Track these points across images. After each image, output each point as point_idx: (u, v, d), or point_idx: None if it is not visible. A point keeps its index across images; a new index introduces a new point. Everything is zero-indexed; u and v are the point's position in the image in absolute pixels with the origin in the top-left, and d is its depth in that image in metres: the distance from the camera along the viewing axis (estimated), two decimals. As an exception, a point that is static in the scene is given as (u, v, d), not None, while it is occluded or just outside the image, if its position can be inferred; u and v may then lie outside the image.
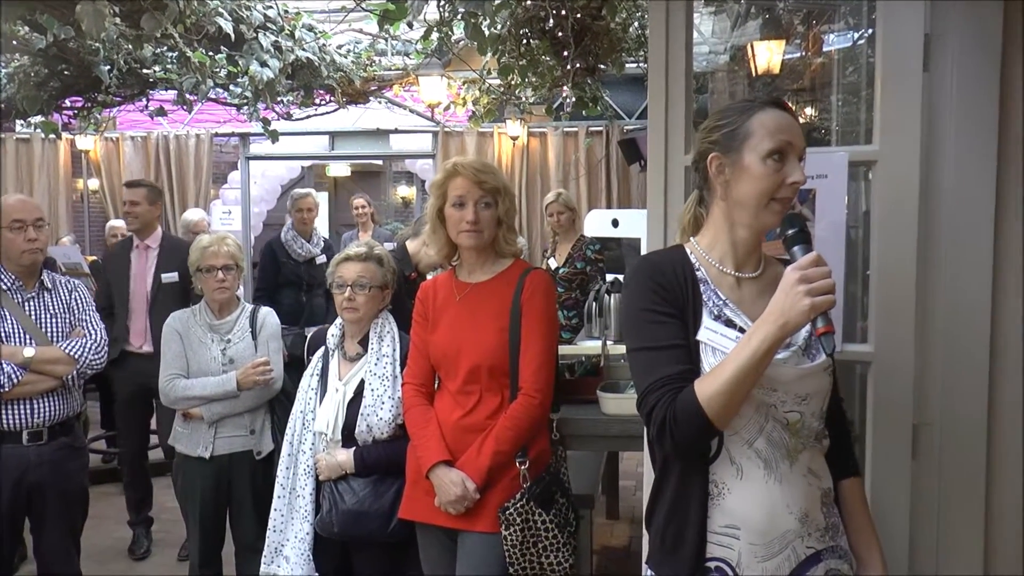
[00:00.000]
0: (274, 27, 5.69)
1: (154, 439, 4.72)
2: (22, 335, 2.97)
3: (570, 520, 2.42)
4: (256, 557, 2.84)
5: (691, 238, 1.69)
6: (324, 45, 6.56)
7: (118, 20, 4.41)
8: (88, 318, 3.15)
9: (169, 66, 5.89)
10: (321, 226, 6.88)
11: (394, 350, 2.76)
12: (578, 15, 4.55)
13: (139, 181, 4.65)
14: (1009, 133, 2.01)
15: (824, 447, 1.62)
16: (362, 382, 2.72)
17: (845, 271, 2.09)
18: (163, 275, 4.40)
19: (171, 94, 6.36)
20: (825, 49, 3.65)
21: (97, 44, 5.23)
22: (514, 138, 9.04)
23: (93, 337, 3.10)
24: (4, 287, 2.99)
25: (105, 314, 3.89)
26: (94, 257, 6.87)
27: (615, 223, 5.08)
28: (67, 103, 6.37)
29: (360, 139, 9.70)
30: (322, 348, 2.88)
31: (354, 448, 2.68)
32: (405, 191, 14.22)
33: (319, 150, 10.05)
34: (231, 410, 3.18)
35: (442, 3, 4.49)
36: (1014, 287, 2.03)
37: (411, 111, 9.04)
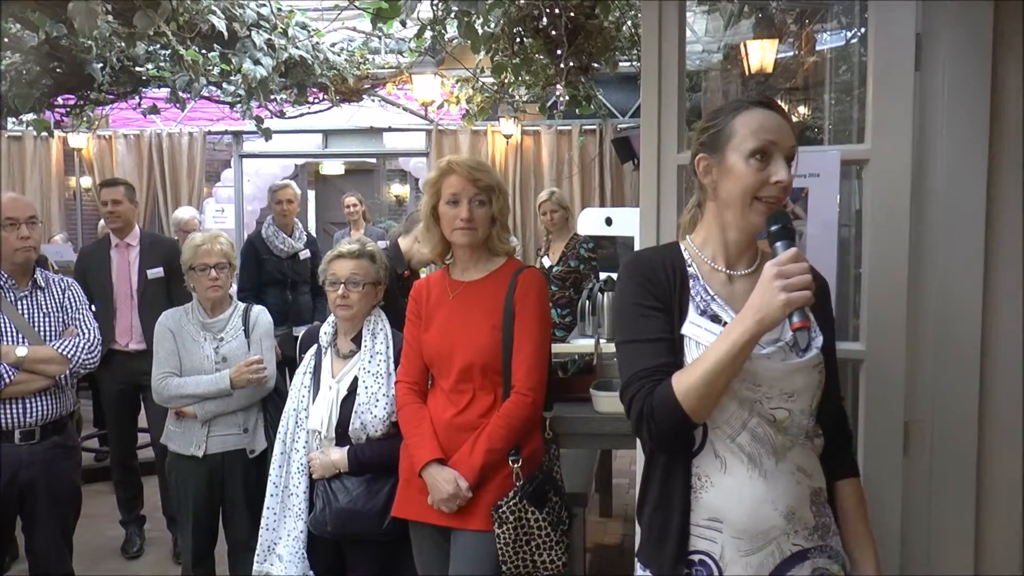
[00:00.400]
0: (267, 25, 5.67)
1: (144, 437, 4.70)
2: (15, 334, 2.96)
3: (563, 518, 2.42)
4: (249, 556, 2.83)
5: (687, 236, 1.71)
6: (317, 43, 6.55)
7: (111, 18, 4.40)
8: (81, 317, 3.14)
9: (162, 64, 5.86)
10: (303, 221, 6.75)
11: (387, 347, 2.76)
12: (571, 14, 4.56)
13: (115, 180, 4.58)
14: (1000, 132, 2.02)
15: (816, 446, 1.62)
16: (355, 380, 2.72)
17: (837, 269, 2.09)
18: (148, 271, 4.38)
19: (164, 92, 6.33)
20: (818, 48, 3.66)
21: (90, 42, 5.20)
22: (507, 136, 9.04)
23: (86, 336, 3.10)
24: (-4, 285, 2.98)
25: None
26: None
27: (608, 221, 5.09)
28: (59, 101, 6.34)
29: (353, 137, 9.71)
30: (314, 346, 2.88)
31: (348, 447, 2.68)
32: (399, 189, 14.22)
33: (312, 148, 10.05)
34: (224, 408, 3.17)
35: (435, 2, 4.50)
36: (1005, 285, 2.04)
37: (405, 109, 9.04)
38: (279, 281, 5.26)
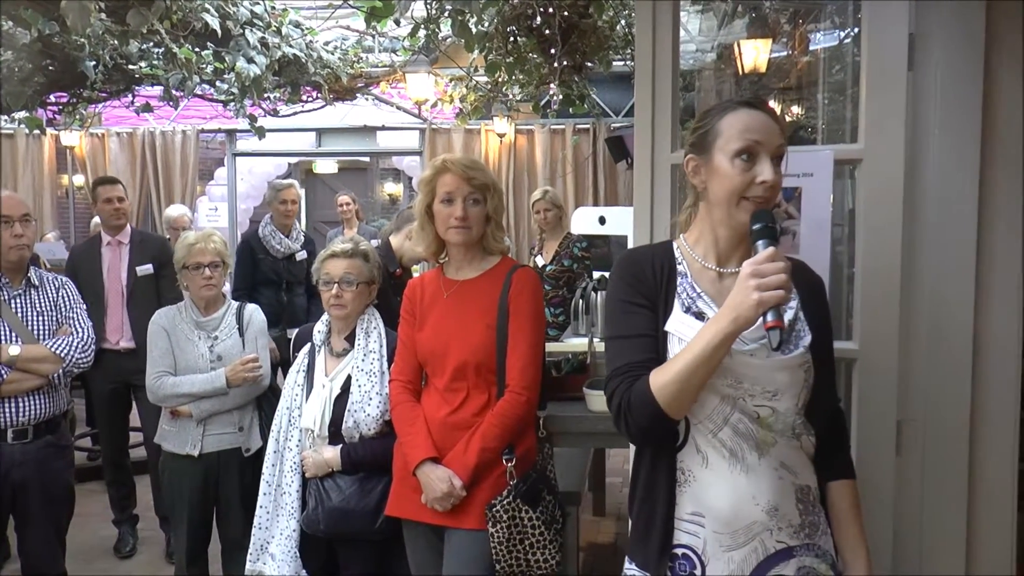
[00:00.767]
0: (261, 23, 5.67)
1: (135, 436, 4.69)
2: (7, 333, 2.95)
3: (557, 517, 2.42)
4: (243, 555, 2.83)
5: (681, 235, 1.72)
6: (311, 42, 6.56)
7: (104, 16, 4.39)
8: (75, 316, 3.13)
9: (155, 62, 5.84)
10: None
11: (381, 346, 2.76)
12: (565, 13, 4.56)
13: (114, 178, 4.56)
14: (992, 132, 2.03)
15: (804, 444, 1.62)
16: (349, 378, 2.72)
17: (830, 269, 2.10)
18: (138, 268, 4.37)
19: (157, 90, 6.31)
20: (811, 48, 3.67)
21: (83, 39, 5.19)
22: (501, 135, 9.05)
23: (80, 335, 3.09)
24: (-11, 284, 2.98)
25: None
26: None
27: (602, 220, 5.11)
28: (52, 98, 6.32)
29: (347, 136, 9.71)
30: (308, 344, 2.88)
31: (341, 445, 2.68)
32: (392, 188, 14.19)
33: (306, 146, 10.05)
34: (220, 407, 3.16)
35: (429, 0, 4.49)
36: (997, 285, 2.05)
37: (398, 108, 9.04)
38: (274, 282, 5.12)
